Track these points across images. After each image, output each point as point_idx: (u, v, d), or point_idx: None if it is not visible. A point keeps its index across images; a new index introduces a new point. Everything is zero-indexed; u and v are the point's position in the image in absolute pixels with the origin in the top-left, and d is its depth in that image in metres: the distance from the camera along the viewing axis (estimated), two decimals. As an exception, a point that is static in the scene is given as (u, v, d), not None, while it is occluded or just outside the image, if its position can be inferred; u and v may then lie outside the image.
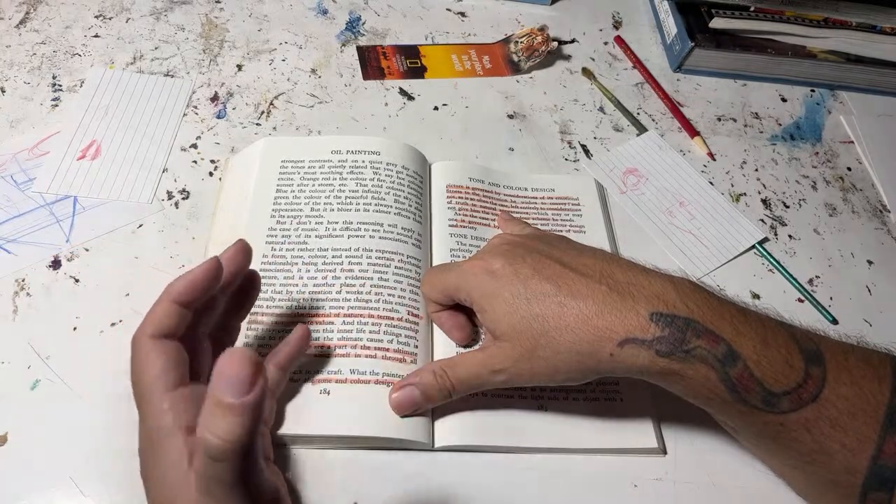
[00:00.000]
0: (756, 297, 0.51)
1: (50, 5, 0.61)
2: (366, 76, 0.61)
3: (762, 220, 0.56)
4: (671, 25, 0.68)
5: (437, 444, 0.40)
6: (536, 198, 0.53)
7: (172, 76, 0.57)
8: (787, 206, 0.58)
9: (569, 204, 0.53)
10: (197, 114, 0.55)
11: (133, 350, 0.32)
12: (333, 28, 0.64)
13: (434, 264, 0.47)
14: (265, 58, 0.60)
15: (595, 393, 0.42)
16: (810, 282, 0.53)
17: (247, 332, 0.41)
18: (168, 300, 0.32)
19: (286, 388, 0.39)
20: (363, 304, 0.43)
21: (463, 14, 0.69)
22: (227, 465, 0.26)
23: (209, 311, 0.35)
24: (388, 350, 0.41)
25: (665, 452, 0.42)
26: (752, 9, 0.67)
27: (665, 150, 0.59)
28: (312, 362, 0.40)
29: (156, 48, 0.59)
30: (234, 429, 0.25)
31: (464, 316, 0.43)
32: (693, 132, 0.61)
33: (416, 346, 0.42)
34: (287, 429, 0.38)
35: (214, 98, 0.56)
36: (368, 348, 0.41)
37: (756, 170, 0.60)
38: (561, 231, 0.50)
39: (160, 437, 0.30)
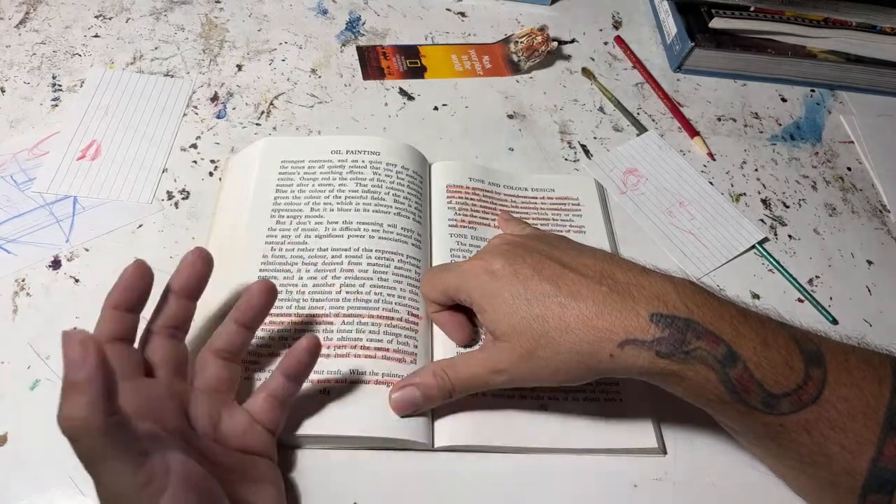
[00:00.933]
0: (756, 297, 0.51)
1: (50, 5, 0.61)
2: (366, 76, 0.61)
3: (762, 220, 0.56)
4: (671, 25, 0.68)
5: (437, 444, 0.40)
6: (536, 198, 0.53)
7: (172, 76, 0.57)
8: (787, 206, 0.58)
9: (569, 204, 0.53)
10: (197, 114, 0.55)
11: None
12: (333, 28, 0.64)
13: (434, 264, 0.47)
14: (265, 58, 0.60)
15: (595, 393, 0.42)
16: (810, 282, 0.53)
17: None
18: (106, 306, 0.34)
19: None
20: (363, 305, 0.43)
21: (463, 14, 0.69)
22: (81, 444, 0.26)
23: (163, 316, 0.36)
24: (387, 350, 0.41)
25: (665, 452, 0.42)
26: (752, 9, 0.67)
27: (665, 150, 0.59)
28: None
29: (156, 48, 0.59)
30: (75, 407, 0.25)
31: (464, 316, 0.43)
32: (693, 132, 0.61)
33: (416, 347, 0.42)
34: (287, 429, 0.38)
35: (214, 98, 0.56)
36: (368, 348, 0.41)
37: (756, 170, 0.60)
38: (561, 231, 0.50)
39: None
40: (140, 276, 0.34)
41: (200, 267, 0.37)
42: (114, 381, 0.26)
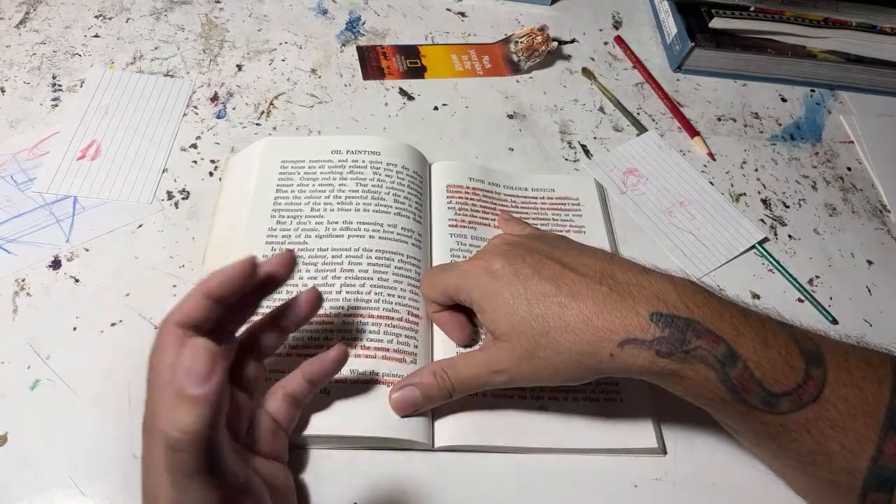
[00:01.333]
0: (756, 297, 0.51)
1: (50, 5, 0.61)
2: (366, 76, 0.61)
3: (762, 220, 0.56)
4: (671, 25, 0.68)
5: (437, 444, 0.40)
6: (536, 198, 0.53)
7: (172, 76, 0.57)
8: (787, 206, 0.58)
9: (569, 204, 0.53)
10: (197, 114, 0.55)
11: (157, 334, 0.31)
12: (333, 28, 0.64)
13: (434, 264, 0.47)
14: (265, 58, 0.60)
15: (595, 393, 0.43)
16: (810, 282, 0.53)
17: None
18: (199, 293, 0.31)
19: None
20: (363, 305, 0.43)
21: (463, 14, 0.69)
22: (185, 455, 0.26)
23: (243, 312, 0.35)
24: (388, 350, 0.41)
25: (665, 452, 0.42)
26: (752, 9, 0.67)
27: (665, 150, 0.59)
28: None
29: (156, 48, 0.59)
30: (192, 419, 0.25)
31: (464, 316, 0.43)
32: (693, 132, 0.61)
33: (416, 347, 0.42)
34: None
35: (214, 98, 0.56)
36: (368, 348, 0.41)
37: (756, 170, 0.60)
38: (561, 231, 0.50)
39: (156, 421, 0.29)
40: (248, 275, 0.32)
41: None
42: (226, 400, 0.26)
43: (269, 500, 0.32)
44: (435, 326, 0.44)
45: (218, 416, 0.25)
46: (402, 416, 0.39)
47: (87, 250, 0.46)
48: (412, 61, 0.63)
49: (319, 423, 0.38)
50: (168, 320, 0.31)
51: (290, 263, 0.35)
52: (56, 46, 0.58)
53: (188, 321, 0.31)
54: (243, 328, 0.36)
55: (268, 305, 0.40)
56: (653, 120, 0.62)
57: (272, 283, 0.34)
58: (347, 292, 0.43)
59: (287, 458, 0.37)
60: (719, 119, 0.64)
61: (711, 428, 0.41)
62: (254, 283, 0.33)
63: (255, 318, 0.37)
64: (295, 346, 0.41)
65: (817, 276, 0.53)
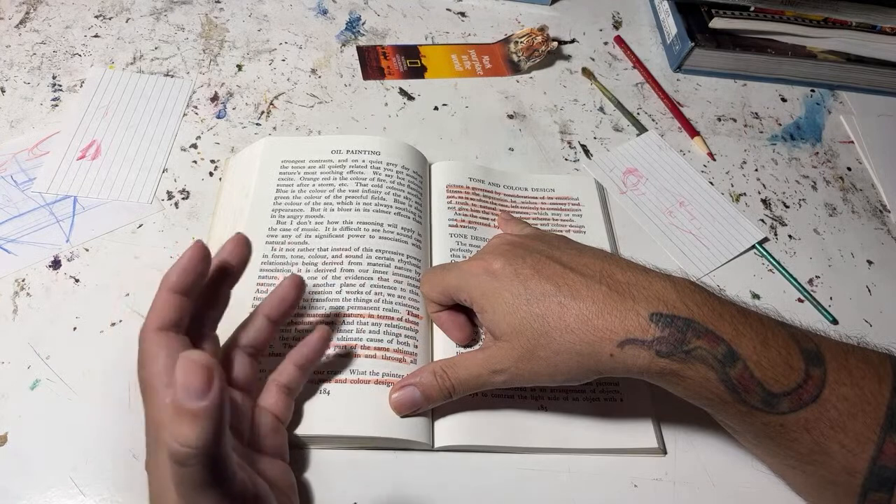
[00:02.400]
0: (756, 297, 0.51)
1: (50, 5, 0.61)
2: (366, 76, 0.61)
3: (762, 220, 0.56)
4: (671, 25, 0.68)
5: (437, 444, 0.40)
6: (536, 198, 0.53)
7: (172, 76, 0.57)
8: (787, 206, 0.58)
9: (569, 204, 0.53)
10: (197, 114, 0.55)
11: (139, 344, 0.32)
12: (333, 28, 0.64)
13: (434, 264, 0.47)
14: (265, 58, 0.60)
15: (595, 393, 0.43)
16: (810, 282, 0.53)
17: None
18: (165, 290, 0.32)
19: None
20: (363, 304, 0.43)
21: (463, 14, 0.69)
22: (191, 469, 0.25)
23: (214, 307, 0.35)
24: (387, 350, 0.41)
25: (665, 452, 0.42)
26: (752, 9, 0.67)
27: (665, 150, 0.59)
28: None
29: (156, 48, 0.59)
30: (195, 433, 0.24)
31: (464, 316, 0.43)
32: (693, 132, 0.61)
33: (416, 346, 0.42)
34: (287, 429, 0.38)
35: (214, 98, 0.56)
36: (368, 348, 0.41)
37: (756, 170, 0.60)
38: (561, 231, 0.50)
39: (160, 433, 0.30)
40: (201, 259, 0.32)
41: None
42: (227, 410, 0.25)
43: None
44: (435, 326, 0.44)
45: (222, 428, 0.25)
46: (402, 416, 0.39)
47: (87, 250, 0.46)
48: (412, 61, 0.63)
49: (320, 423, 0.38)
50: (146, 328, 0.32)
51: (241, 246, 0.35)
52: (56, 46, 0.58)
53: (165, 323, 0.31)
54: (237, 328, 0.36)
55: (256, 299, 0.40)
56: (653, 120, 0.62)
57: (231, 269, 0.35)
58: (347, 292, 0.43)
59: (288, 455, 0.37)
60: (719, 119, 0.64)
61: (711, 428, 0.41)
62: (210, 266, 0.33)
63: (243, 314, 0.38)
64: (293, 345, 0.41)
65: (817, 276, 0.53)
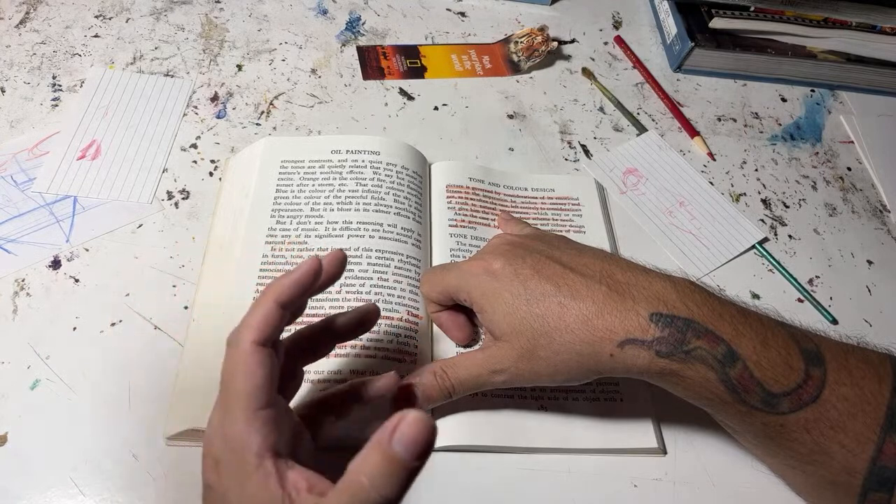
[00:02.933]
0: (756, 297, 0.51)
1: (50, 5, 0.61)
2: (366, 76, 0.61)
3: (762, 220, 0.56)
4: (671, 25, 0.68)
5: (437, 444, 0.40)
6: (536, 198, 0.53)
7: (172, 76, 0.57)
8: (787, 206, 0.58)
9: (569, 204, 0.53)
10: (197, 114, 0.55)
11: (233, 353, 0.29)
12: (333, 28, 0.64)
13: (434, 264, 0.47)
14: (265, 58, 0.60)
15: (595, 393, 0.43)
16: (810, 282, 0.53)
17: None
18: (272, 301, 0.29)
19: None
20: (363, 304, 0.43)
21: (463, 14, 0.69)
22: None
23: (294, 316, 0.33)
24: (388, 350, 0.41)
25: (665, 452, 0.42)
26: (752, 9, 0.67)
27: (665, 150, 0.59)
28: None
29: (156, 48, 0.59)
30: (396, 485, 0.24)
31: (464, 316, 0.43)
32: (693, 132, 0.61)
33: (416, 346, 0.42)
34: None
35: (214, 98, 0.56)
36: (368, 348, 0.41)
37: (756, 170, 0.60)
38: (561, 231, 0.50)
39: (246, 457, 0.28)
40: (315, 275, 0.30)
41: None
42: None
43: None
44: (435, 326, 0.44)
45: (408, 489, 0.25)
46: (402, 416, 0.39)
47: (87, 250, 0.46)
48: (412, 61, 0.63)
49: (319, 423, 0.38)
50: (244, 339, 0.29)
51: (340, 263, 0.32)
52: (56, 46, 0.58)
53: (266, 338, 0.29)
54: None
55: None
56: (653, 120, 0.62)
57: (324, 284, 0.32)
58: (347, 292, 0.43)
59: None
60: (719, 119, 0.64)
61: (711, 428, 0.41)
62: (318, 284, 0.31)
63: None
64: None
65: (817, 276, 0.53)
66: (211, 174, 0.51)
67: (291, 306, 0.30)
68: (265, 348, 0.29)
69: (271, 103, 0.57)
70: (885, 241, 0.57)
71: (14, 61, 0.56)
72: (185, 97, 0.56)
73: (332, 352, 0.40)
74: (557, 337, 0.35)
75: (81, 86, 0.55)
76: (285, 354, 0.32)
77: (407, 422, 0.24)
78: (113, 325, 0.43)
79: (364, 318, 0.36)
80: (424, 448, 0.24)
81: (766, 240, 0.55)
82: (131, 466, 0.37)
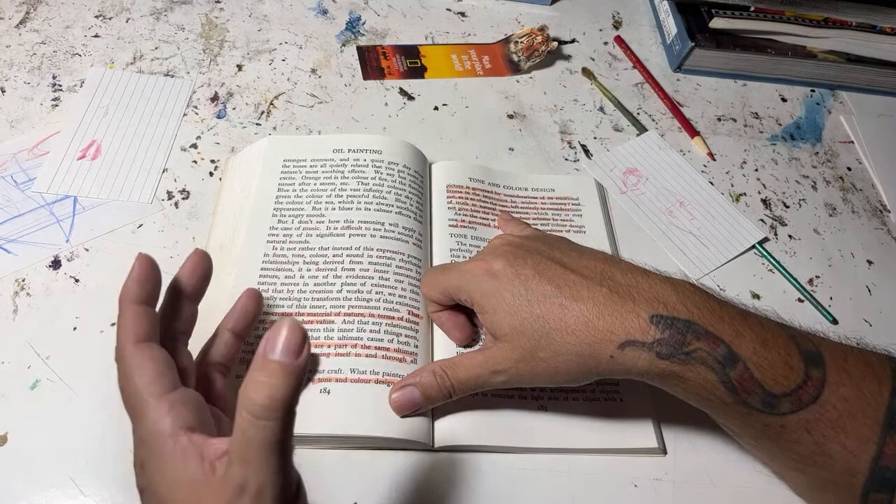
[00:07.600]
0: (756, 297, 0.51)
1: (50, 5, 0.61)
2: (366, 76, 0.61)
3: (762, 220, 0.56)
4: (671, 25, 0.68)
5: (437, 444, 0.40)
6: (536, 198, 0.53)
7: (172, 76, 0.57)
8: (787, 206, 0.58)
9: (569, 204, 0.53)
10: (197, 114, 0.55)
11: (119, 363, 0.31)
12: (333, 28, 0.64)
13: (434, 264, 0.47)
14: (265, 58, 0.60)
15: (595, 393, 0.43)
16: (810, 282, 0.53)
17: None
18: (128, 303, 0.31)
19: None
20: (364, 304, 0.43)
21: (463, 14, 0.69)
22: (271, 423, 0.26)
23: (177, 318, 0.35)
24: (388, 350, 0.41)
25: (665, 452, 0.42)
26: (752, 9, 0.67)
27: (665, 150, 0.59)
28: (312, 361, 0.40)
29: (156, 48, 0.59)
30: (283, 386, 0.25)
31: (464, 316, 0.43)
32: (693, 132, 0.61)
33: (417, 346, 0.42)
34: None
35: (214, 98, 0.56)
36: (369, 347, 0.41)
37: (756, 170, 0.60)
38: (561, 231, 0.51)
39: (162, 442, 0.29)
40: (151, 267, 0.32)
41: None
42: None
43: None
44: (435, 326, 0.44)
45: (301, 388, 0.26)
46: (402, 416, 0.39)
47: (87, 250, 0.46)
48: (412, 61, 0.63)
49: (319, 423, 0.38)
50: (122, 345, 0.31)
51: (195, 261, 0.35)
52: (56, 46, 0.58)
53: (140, 335, 0.31)
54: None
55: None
56: (653, 120, 0.62)
57: (186, 282, 0.35)
58: (348, 291, 0.43)
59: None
60: (719, 119, 0.64)
61: (711, 428, 0.41)
62: (159, 273, 0.33)
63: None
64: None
65: (817, 276, 0.53)
66: (211, 174, 0.51)
67: (150, 301, 0.32)
68: (146, 343, 0.31)
69: (271, 103, 0.57)
70: (885, 241, 0.57)
71: (14, 61, 0.56)
72: (185, 97, 0.56)
73: (332, 352, 0.41)
74: (558, 338, 0.35)
75: (81, 86, 0.55)
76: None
77: (272, 332, 0.26)
78: (113, 325, 0.42)
79: (196, 261, 0.35)
80: (299, 343, 0.26)
81: (766, 240, 0.55)
82: (131, 466, 0.37)
